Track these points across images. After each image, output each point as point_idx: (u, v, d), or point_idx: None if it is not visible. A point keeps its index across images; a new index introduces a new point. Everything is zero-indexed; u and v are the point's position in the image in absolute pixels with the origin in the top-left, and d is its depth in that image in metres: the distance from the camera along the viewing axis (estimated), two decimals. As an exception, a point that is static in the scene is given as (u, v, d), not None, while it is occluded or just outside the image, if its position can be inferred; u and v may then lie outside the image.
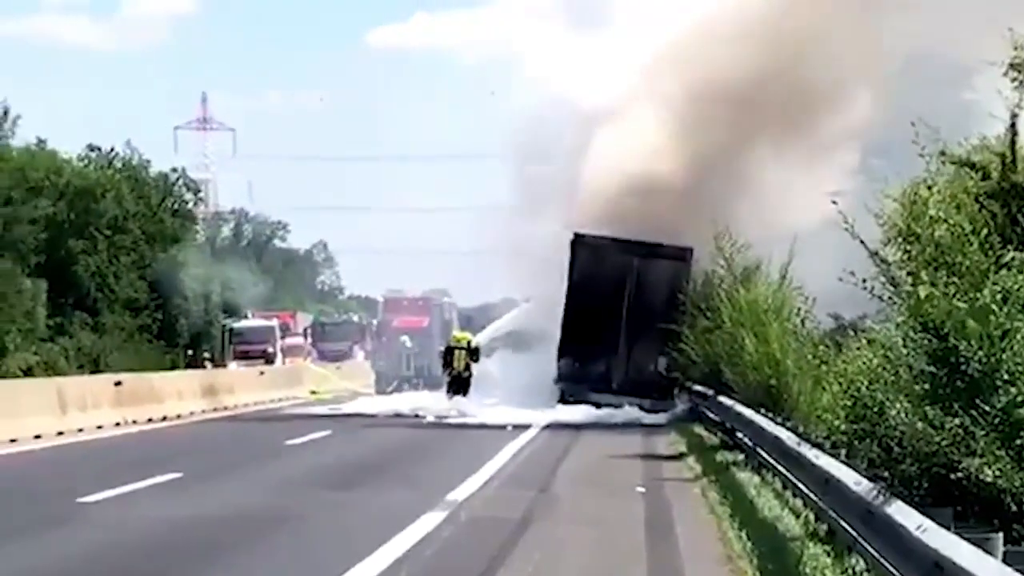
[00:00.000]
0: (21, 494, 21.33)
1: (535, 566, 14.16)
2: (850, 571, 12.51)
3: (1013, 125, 13.54)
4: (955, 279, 11.33)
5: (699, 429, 31.60)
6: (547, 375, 39.17)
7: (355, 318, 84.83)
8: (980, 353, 10.58)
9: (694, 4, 41.90)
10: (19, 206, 64.63)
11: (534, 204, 43.72)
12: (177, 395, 40.11)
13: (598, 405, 37.77)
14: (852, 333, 17.82)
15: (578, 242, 39.12)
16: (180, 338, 77.20)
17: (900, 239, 12.36)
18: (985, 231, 11.84)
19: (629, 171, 39.48)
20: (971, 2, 31.77)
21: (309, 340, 77.19)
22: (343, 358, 71.67)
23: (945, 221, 11.80)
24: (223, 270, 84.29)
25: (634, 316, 38.66)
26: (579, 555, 15.06)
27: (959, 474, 10.51)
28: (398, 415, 39.15)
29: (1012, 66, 13.86)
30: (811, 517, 15.51)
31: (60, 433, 31.29)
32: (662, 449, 28.47)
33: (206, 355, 77.15)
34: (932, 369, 10.92)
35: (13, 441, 29.04)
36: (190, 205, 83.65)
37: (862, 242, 12.94)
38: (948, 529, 9.36)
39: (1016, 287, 10.88)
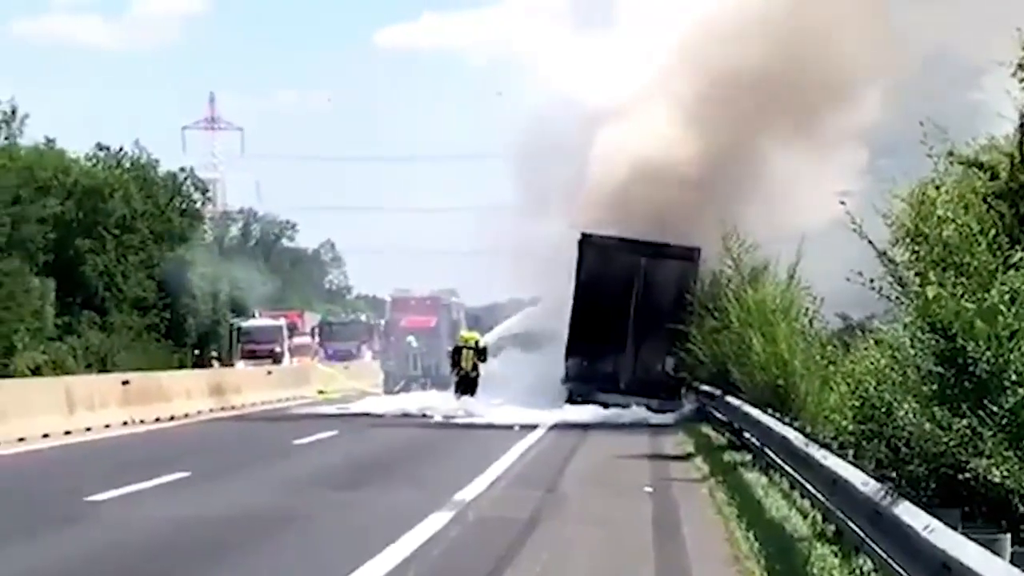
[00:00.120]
0: (29, 493, 21.35)
1: (543, 566, 14.15)
2: (858, 572, 12.50)
3: (1022, 125, 13.51)
4: (963, 279, 11.31)
5: (707, 429, 31.58)
6: (554, 375, 39.18)
7: (363, 318, 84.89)
8: (988, 354, 10.56)
9: (701, 3, 41.87)
10: (27, 205, 64.73)
11: (541, 204, 43.72)
12: (185, 394, 40.14)
13: (605, 405, 37.78)
14: (860, 333, 17.77)
15: (586, 242, 39.10)
16: (188, 337, 77.34)
17: (908, 239, 12.33)
18: (993, 231, 11.82)
19: (637, 170, 39.46)
20: (980, 2, 31.75)
21: (317, 340, 77.24)
22: (351, 358, 71.71)
23: (953, 221, 11.77)
24: (231, 269, 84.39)
25: (642, 316, 38.65)
26: (587, 555, 15.06)
27: (967, 475, 10.50)
28: (406, 415, 39.17)
29: (1021, 66, 13.83)
30: (819, 517, 15.50)
31: (68, 432, 31.32)
32: (669, 449, 28.46)
33: (214, 354, 77.25)
34: (940, 370, 10.91)
35: (21, 440, 29.07)
36: (198, 205, 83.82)
37: (870, 242, 12.92)
38: (956, 530, 9.35)
39: (1024, 288, 10.87)
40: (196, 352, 77.00)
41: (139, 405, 36.15)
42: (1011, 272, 11.18)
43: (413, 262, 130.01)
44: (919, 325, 11.12)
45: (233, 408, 42.60)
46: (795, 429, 18.35)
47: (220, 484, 21.98)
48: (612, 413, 36.96)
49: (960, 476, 10.57)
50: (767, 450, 20.54)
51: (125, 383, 36.62)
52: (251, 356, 70.25)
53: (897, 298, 12.33)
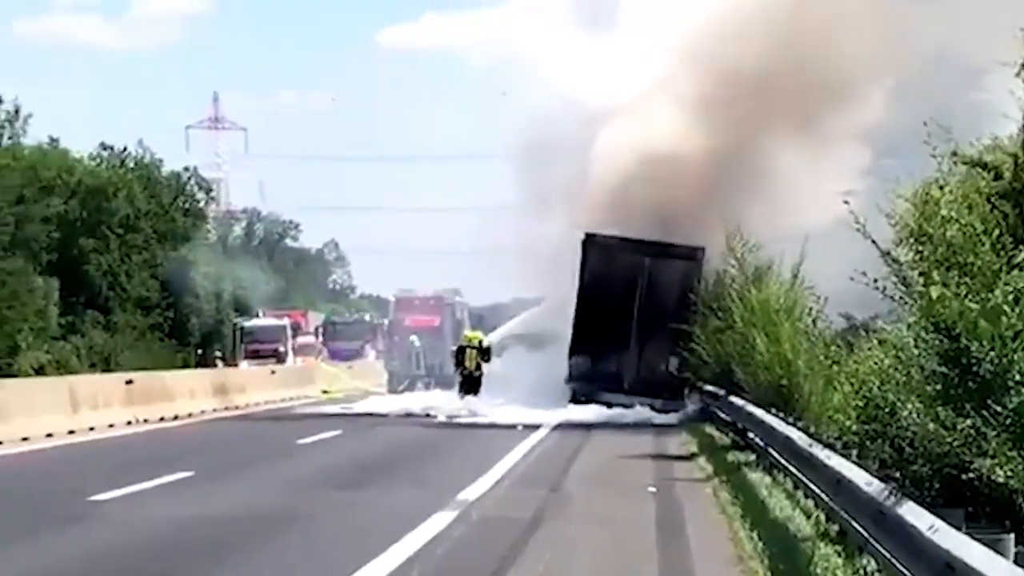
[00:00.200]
0: (32, 493, 21.37)
1: (546, 566, 14.15)
2: (861, 572, 12.50)
3: (1027, 125, 13.49)
4: (967, 279, 11.30)
5: (710, 429, 31.58)
6: (558, 375, 39.17)
7: (367, 317, 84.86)
8: (992, 354, 10.55)
9: (703, 3, 41.86)
10: (31, 205, 64.77)
11: (544, 204, 43.75)
12: (188, 394, 40.17)
13: (609, 405, 37.78)
14: (864, 333, 17.78)
15: (589, 242, 39.10)
16: (191, 337, 77.39)
17: (912, 239, 12.32)
18: (997, 231, 11.80)
19: (640, 169, 39.45)
20: (984, 2, 31.71)
21: (320, 339, 77.23)
22: (354, 357, 71.67)
23: (957, 221, 11.76)
24: (234, 269, 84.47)
25: (645, 316, 38.64)
26: (590, 555, 15.06)
27: (971, 475, 10.49)
28: (409, 414, 39.19)
29: (1024, 66, 13.81)
30: (822, 518, 15.49)
31: (71, 432, 31.35)
32: (673, 449, 28.45)
33: (217, 354, 77.26)
34: (944, 370, 10.89)
35: (25, 439, 29.10)
36: (202, 204, 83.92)
37: (874, 242, 12.91)
38: (959, 530, 9.34)
39: (1028, 287, 10.86)
40: (199, 352, 77.01)
41: (143, 405, 36.18)
42: (1015, 272, 11.16)
43: (417, 262, 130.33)
44: (923, 325, 11.11)
45: (237, 408, 42.62)
46: (799, 429, 18.34)
47: (224, 484, 22.00)
48: (616, 413, 36.97)
49: (964, 476, 10.56)
50: (771, 450, 20.53)
51: (129, 383, 36.64)
52: (255, 356, 70.26)
53: (901, 298, 12.32)
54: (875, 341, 14.42)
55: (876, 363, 12.84)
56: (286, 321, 76.92)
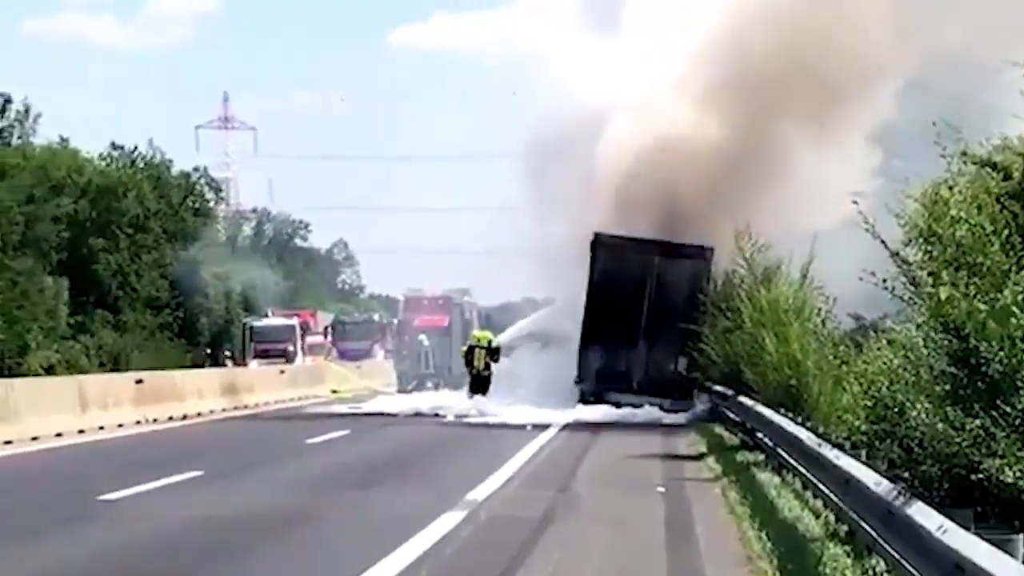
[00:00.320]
0: (42, 492, 21.41)
1: (555, 565, 14.16)
2: (870, 572, 12.49)
3: (1035, 126, 13.47)
4: (976, 280, 11.29)
5: (719, 429, 31.56)
6: (567, 375, 39.15)
7: (376, 317, 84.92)
8: (1001, 354, 10.55)
9: (712, 3, 41.82)
10: (41, 204, 64.87)
11: (554, 204, 43.71)
12: (198, 393, 40.21)
13: (618, 405, 37.78)
14: (873, 333, 17.76)
15: (598, 242, 39.08)
16: (201, 336, 77.46)
17: (921, 239, 12.31)
18: (1006, 232, 11.79)
19: (649, 169, 39.44)
20: (995, 3, 31.70)
21: (330, 339, 77.30)
22: (364, 357, 71.73)
23: (966, 222, 11.75)
24: (244, 269, 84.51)
25: (654, 316, 38.63)
26: (599, 554, 15.06)
27: (980, 475, 10.49)
28: (418, 414, 39.20)
29: (1034, 67, 13.79)
30: (831, 518, 15.49)
31: (81, 431, 31.39)
32: (682, 449, 28.44)
33: (227, 353, 77.34)
34: (953, 370, 10.90)
35: (35, 439, 29.14)
36: (211, 204, 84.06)
37: (883, 242, 12.90)
38: (968, 530, 9.34)
39: (1037, 288, 10.85)
40: (208, 351, 77.08)
41: (152, 404, 36.21)
42: (1024, 272, 11.17)
43: (426, 262, 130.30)
44: (932, 325, 11.11)
45: (246, 407, 42.65)
46: (808, 429, 18.33)
47: (233, 483, 22.01)
48: (625, 413, 36.96)
49: (973, 476, 10.56)
50: (780, 450, 20.53)
51: (138, 382, 36.69)
52: (264, 355, 70.35)
53: (910, 298, 12.31)
54: (884, 341, 14.42)
55: (885, 363, 12.84)
56: (295, 321, 76.99)
